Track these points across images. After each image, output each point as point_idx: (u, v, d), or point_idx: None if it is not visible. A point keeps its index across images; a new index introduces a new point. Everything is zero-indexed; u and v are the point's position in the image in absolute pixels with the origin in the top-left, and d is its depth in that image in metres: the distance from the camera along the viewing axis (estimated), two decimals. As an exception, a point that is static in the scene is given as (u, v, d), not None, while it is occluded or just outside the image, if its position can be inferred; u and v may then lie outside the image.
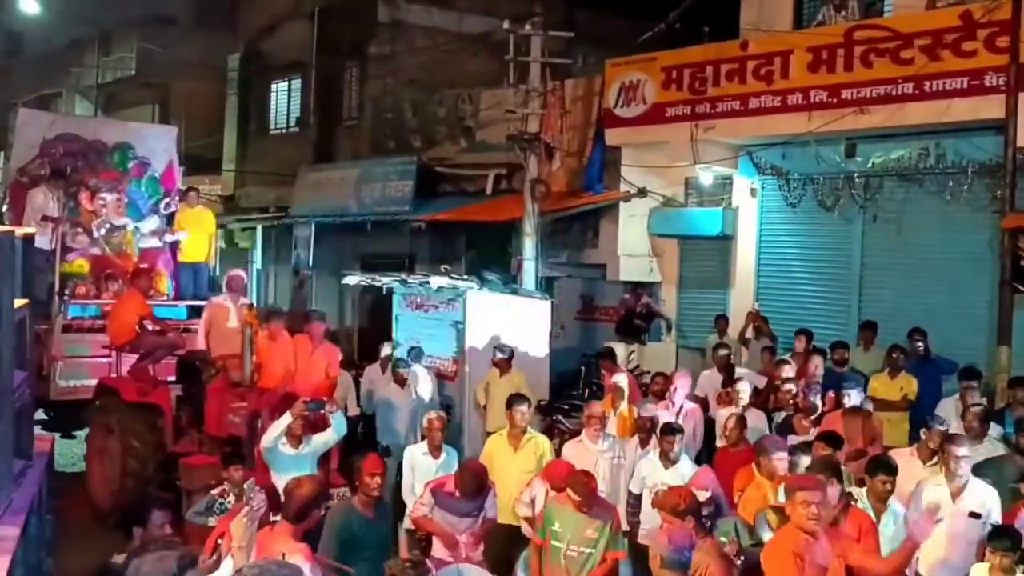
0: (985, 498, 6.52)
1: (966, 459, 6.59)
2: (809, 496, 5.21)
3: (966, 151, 10.60)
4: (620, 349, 12.34)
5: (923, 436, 7.38)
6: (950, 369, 9.61)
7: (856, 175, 11.53)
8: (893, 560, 5.48)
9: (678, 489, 6.12)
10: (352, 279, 13.38)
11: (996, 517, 6.41)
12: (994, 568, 5.57)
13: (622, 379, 9.43)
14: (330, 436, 7.62)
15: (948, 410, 8.53)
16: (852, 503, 6.19)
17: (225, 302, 10.83)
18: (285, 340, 9.37)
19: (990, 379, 9.88)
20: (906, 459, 7.19)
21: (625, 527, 7.19)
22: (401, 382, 10.07)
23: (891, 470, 6.30)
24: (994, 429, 7.85)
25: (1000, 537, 5.66)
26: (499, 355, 10.10)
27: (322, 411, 7.70)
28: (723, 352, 10.41)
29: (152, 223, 12.54)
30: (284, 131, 21.60)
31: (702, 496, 6.45)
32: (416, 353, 10.74)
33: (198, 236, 12.71)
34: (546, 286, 12.92)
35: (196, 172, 17.94)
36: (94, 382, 10.79)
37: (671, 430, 7.57)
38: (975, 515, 6.36)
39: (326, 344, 9.67)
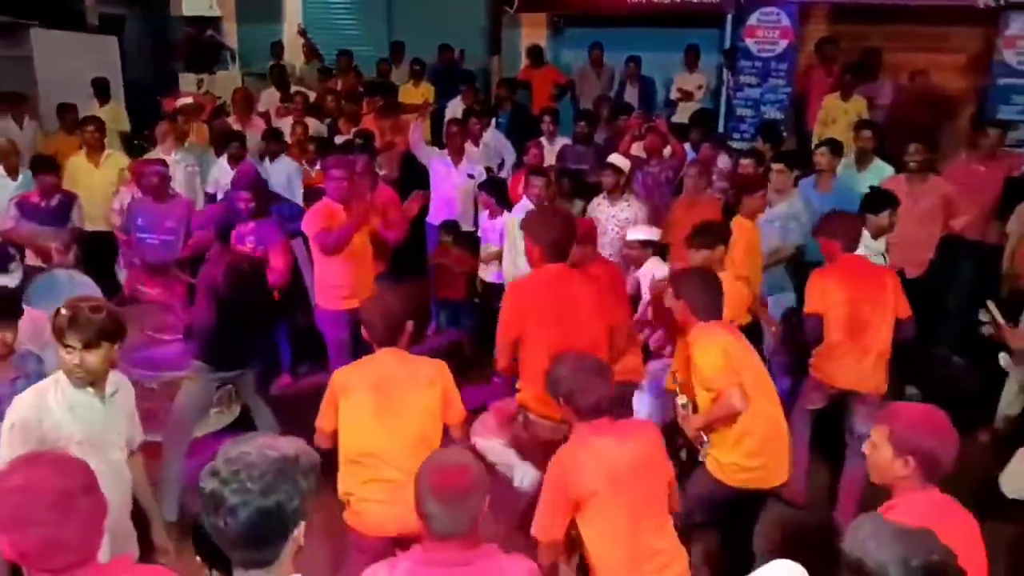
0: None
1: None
2: (337, 172, 5.47)
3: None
4: (191, 78, 11.59)
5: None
6: (464, 77, 10.22)
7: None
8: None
9: None
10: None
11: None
12: None
13: (188, 99, 9.04)
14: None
15: (455, 106, 9.17)
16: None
17: None
18: None
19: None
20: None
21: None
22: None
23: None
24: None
25: None
26: (93, 89, 9.15)
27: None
28: (278, 72, 10.17)
29: None
30: None
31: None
32: None
33: None
34: (114, 24, 11.56)
35: None
36: None
37: (234, 137, 7.50)
38: (471, 176, 7.19)
39: None
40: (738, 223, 5.38)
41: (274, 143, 7.52)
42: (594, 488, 2.97)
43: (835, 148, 6.57)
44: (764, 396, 3.77)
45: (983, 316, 4.95)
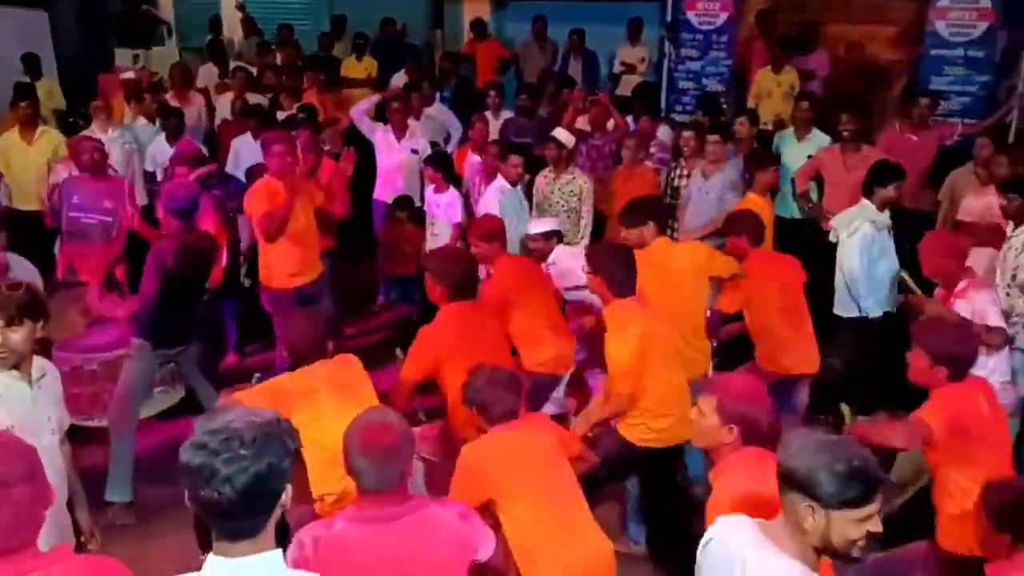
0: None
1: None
2: (278, 147, 5.31)
3: None
4: (127, 54, 11.26)
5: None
6: (407, 51, 10.09)
7: None
8: None
9: None
10: None
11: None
12: None
13: (130, 74, 8.78)
14: None
15: (398, 78, 9.05)
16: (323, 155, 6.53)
17: None
18: None
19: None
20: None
21: (144, 200, 6.96)
22: None
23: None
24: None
25: None
26: (24, 66, 8.83)
27: None
28: (216, 47, 9.94)
29: None
30: None
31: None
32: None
33: None
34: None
35: None
36: None
37: (171, 112, 7.31)
38: (415, 151, 7.19)
39: None
40: (750, 200, 5.41)
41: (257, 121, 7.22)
42: (505, 480, 3.11)
43: (753, 118, 6.82)
44: (669, 366, 3.95)
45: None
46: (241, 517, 1.78)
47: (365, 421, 2.51)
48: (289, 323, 3.80)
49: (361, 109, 7.33)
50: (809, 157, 6.55)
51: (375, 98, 7.65)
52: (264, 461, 1.75)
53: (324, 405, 3.48)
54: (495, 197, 5.88)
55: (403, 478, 2.43)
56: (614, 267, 3.91)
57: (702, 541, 2.30)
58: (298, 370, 3.63)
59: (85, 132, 7.32)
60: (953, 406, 3.31)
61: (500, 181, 6.00)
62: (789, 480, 2.07)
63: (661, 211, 4.66)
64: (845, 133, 6.25)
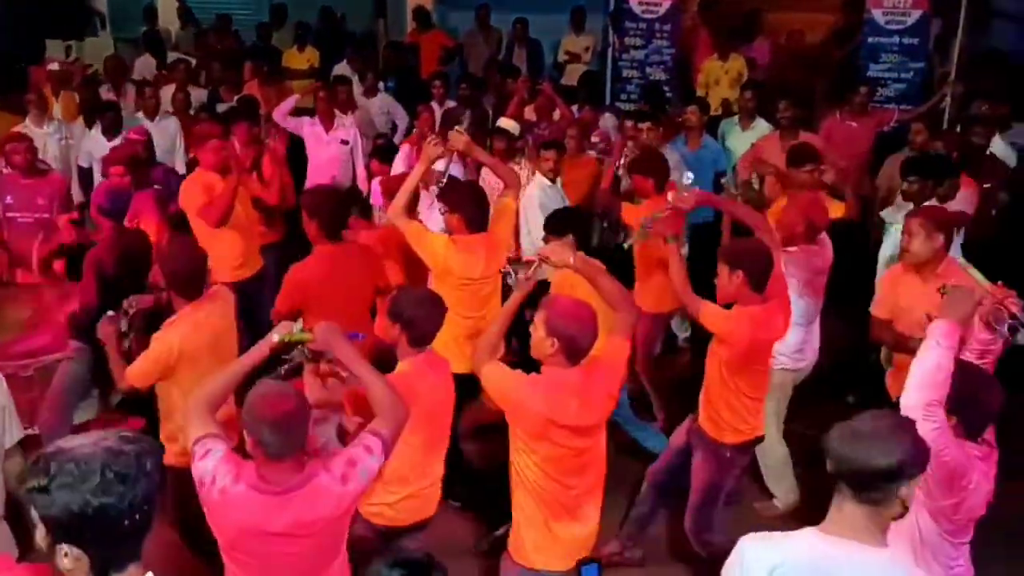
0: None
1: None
2: (214, 142, 5.31)
3: None
4: (59, 45, 10.90)
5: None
6: (350, 40, 9.96)
7: None
8: None
9: None
10: None
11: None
12: None
13: (55, 65, 8.52)
14: None
15: (341, 69, 8.93)
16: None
17: None
18: None
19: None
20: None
21: (80, 198, 6.77)
22: None
23: None
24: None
25: None
26: None
27: None
28: (153, 36, 9.71)
29: None
30: None
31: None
32: None
33: None
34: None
35: None
36: None
37: (108, 107, 7.12)
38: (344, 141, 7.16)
39: None
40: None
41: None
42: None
43: (703, 107, 6.87)
44: (464, 303, 4.28)
45: None
46: (139, 538, 1.74)
47: (262, 391, 2.56)
48: (171, 249, 3.82)
49: (282, 111, 7.23)
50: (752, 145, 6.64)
51: (295, 98, 7.52)
52: (154, 476, 1.72)
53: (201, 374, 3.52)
54: (534, 194, 5.73)
55: (302, 444, 2.52)
56: (468, 205, 4.25)
57: (755, 569, 2.20)
58: (180, 326, 3.58)
59: (19, 127, 7.09)
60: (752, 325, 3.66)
61: (538, 177, 5.88)
62: (881, 476, 2.12)
63: (582, 223, 4.68)
64: (783, 120, 6.36)
